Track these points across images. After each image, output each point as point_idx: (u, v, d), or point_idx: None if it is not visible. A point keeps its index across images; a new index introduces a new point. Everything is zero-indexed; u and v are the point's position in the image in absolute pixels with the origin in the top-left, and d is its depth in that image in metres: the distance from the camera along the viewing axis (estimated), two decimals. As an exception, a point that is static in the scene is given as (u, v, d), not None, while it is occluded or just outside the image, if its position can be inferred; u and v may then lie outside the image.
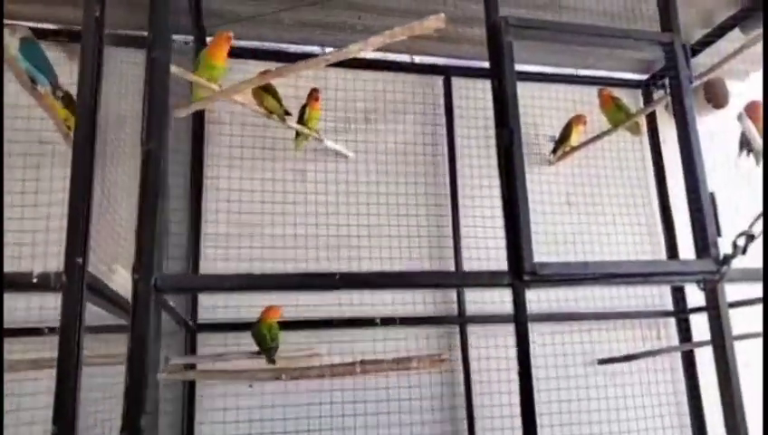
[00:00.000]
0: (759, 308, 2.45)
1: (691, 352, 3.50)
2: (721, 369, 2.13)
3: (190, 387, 2.92)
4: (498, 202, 2.05)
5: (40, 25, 2.85)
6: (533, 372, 3.23)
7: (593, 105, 3.57)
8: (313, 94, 3.14)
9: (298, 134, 3.18)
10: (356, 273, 2.33)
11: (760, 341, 2.31)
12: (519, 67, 3.63)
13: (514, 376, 2.97)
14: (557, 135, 3.61)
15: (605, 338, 3.53)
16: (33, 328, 2.18)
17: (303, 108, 3.14)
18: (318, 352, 2.85)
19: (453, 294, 3.36)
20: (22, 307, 2.13)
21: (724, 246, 2.08)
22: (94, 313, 1.90)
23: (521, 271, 1.93)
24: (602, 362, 3.42)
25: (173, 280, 1.80)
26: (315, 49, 3.46)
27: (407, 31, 2.15)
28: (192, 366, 2.91)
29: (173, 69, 2.60)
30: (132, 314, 1.68)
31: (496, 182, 2.07)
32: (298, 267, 3.21)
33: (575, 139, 3.50)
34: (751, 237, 1.91)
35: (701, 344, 3.07)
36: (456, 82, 3.66)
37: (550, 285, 2.05)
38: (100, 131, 2.46)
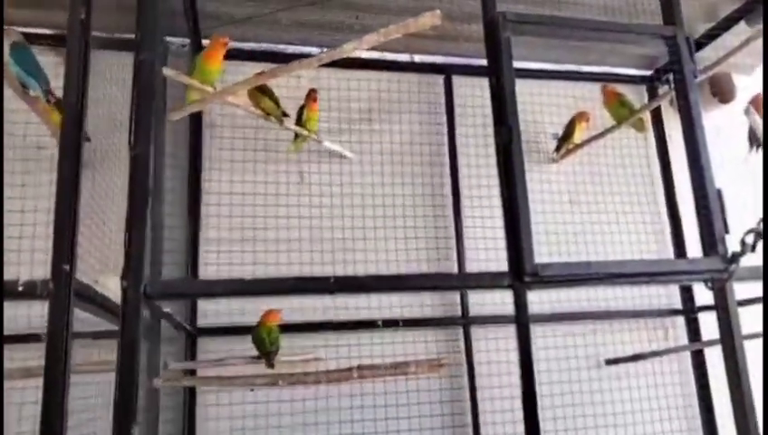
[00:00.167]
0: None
1: (701, 351, 3.43)
2: (731, 368, 2.07)
3: (191, 393, 2.88)
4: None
5: (34, 30, 2.81)
6: (539, 373, 3.25)
7: (596, 102, 3.51)
8: (311, 95, 3.10)
9: (297, 136, 3.14)
10: (351, 276, 2.29)
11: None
12: (520, 64, 3.65)
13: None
14: (560, 133, 3.54)
15: (612, 339, 3.46)
16: (23, 335, 2.14)
17: (301, 109, 3.10)
18: (319, 356, 2.82)
19: (456, 295, 3.30)
20: (9, 315, 2.09)
21: (733, 244, 2.03)
22: (85, 319, 1.87)
23: (521, 272, 1.89)
24: (609, 362, 3.35)
25: (163, 286, 1.76)
26: (313, 50, 3.41)
27: (401, 28, 2.10)
28: (192, 372, 2.88)
29: (167, 71, 2.58)
30: (122, 321, 1.65)
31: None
32: (300, 271, 3.16)
33: (578, 136, 3.43)
34: (760, 235, 1.85)
35: (710, 344, 3.00)
36: (457, 81, 3.61)
37: (551, 287, 1.99)
38: (93, 136, 2.44)
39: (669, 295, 3.62)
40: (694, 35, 3.35)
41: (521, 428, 1.83)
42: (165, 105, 3.08)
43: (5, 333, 2.23)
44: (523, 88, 3.62)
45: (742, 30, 3.18)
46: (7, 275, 1.59)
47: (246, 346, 2.63)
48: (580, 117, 3.43)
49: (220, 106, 3.19)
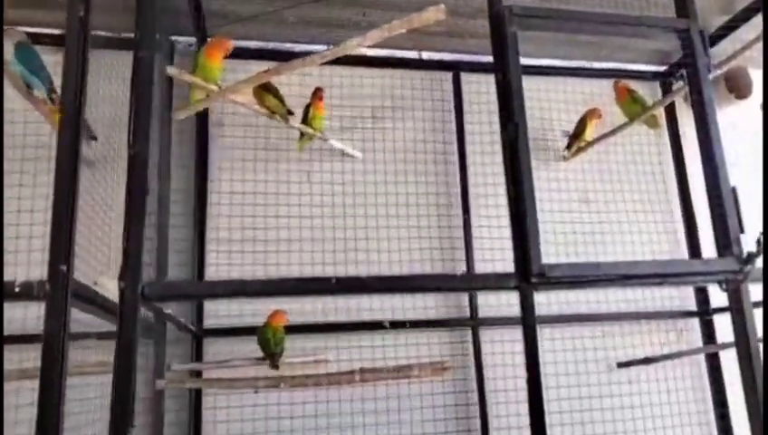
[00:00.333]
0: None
1: (716, 354, 3.34)
2: (746, 373, 2.00)
3: (197, 396, 2.86)
4: (511, 201, 1.95)
5: (38, 30, 2.81)
6: (549, 376, 3.19)
7: (608, 99, 3.44)
8: (317, 94, 3.07)
9: (302, 135, 3.11)
10: (352, 277, 2.26)
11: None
12: (530, 61, 3.62)
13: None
14: (571, 130, 3.47)
15: (624, 341, 3.40)
16: (19, 335, 2.12)
17: (307, 107, 3.07)
18: (326, 358, 2.79)
19: (465, 297, 3.25)
20: (7, 316, 2.08)
21: (748, 244, 1.96)
22: (89, 320, 1.85)
23: (528, 273, 1.83)
24: (621, 365, 3.28)
25: (161, 287, 1.73)
26: (320, 48, 3.34)
27: (405, 24, 2.06)
28: (198, 373, 2.86)
29: (170, 70, 2.56)
30: (119, 323, 1.62)
31: (509, 180, 1.97)
32: (309, 271, 3.14)
33: (590, 133, 3.37)
34: (776, 234, 1.79)
35: (725, 347, 2.93)
36: (466, 78, 3.56)
37: (559, 288, 1.94)
38: (99, 136, 2.43)
39: (683, 297, 3.53)
40: (709, 29, 3.27)
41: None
42: (171, 104, 3.09)
43: (5, 333, 2.25)
44: (533, 85, 3.62)
45: (758, 23, 3.09)
46: (5, 276, 1.57)
47: (253, 347, 2.61)
48: (592, 114, 3.36)
49: (226, 105, 3.17)
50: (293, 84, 3.29)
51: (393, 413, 3.04)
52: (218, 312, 3.02)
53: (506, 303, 3.20)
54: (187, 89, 2.78)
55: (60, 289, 1.55)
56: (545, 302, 3.27)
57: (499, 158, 3.37)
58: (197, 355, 2.92)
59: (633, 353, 3.33)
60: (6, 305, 1.49)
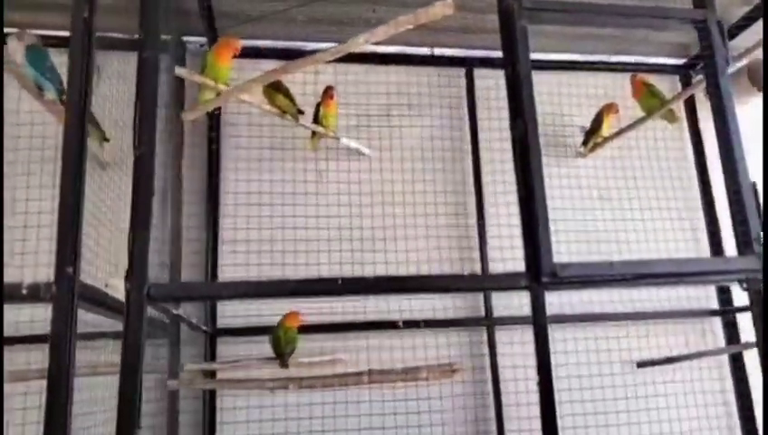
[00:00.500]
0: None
1: (740, 354, 3.24)
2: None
3: (211, 396, 2.86)
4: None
5: (54, 33, 2.83)
6: (571, 377, 3.13)
7: (628, 93, 3.36)
8: (328, 92, 3.05)
9: (314, 134, 3.10)
10: (359, 278, 2.24)
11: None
12: (546, 55, 3.56)
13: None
14: (588, 125, 3.40)
15: (648, 342, 3.32)
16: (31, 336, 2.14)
17: (318, 106, 3.06)
18: (341, 358, 2.77)
19: (480, 296, 3.21)
20: (14, 317, 2.11)
21: (770, 241, 1.89)
22: (100, 320, 1.86)
23: (539, 273, 1.79)
24: (641, 365, 3.20)
25: (166, 289, 1.73)
26: (330, 46, 3.33)
27: (412, 19, 2.03)
28: (212, 373, 2.86)
29: (179, 70, 2.56)
30: (125, 324, 1.62)
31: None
32: (321, 271, 3.13)
33: (607, 129, 3.30)
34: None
35: (749, 346, 2.84)
36: (479, 74, 3.51)
37: (571, 288, 1.89)
38: (112, 138, 2.44)
39: (706, 296, 3.44)
40: (731, 20, 3.18)
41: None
42: (183, 105, 3.10)
43: (15, 335, 2.28)
44: (550, 80, 3.56)
45: (782, 12, 2.99)
46: (14, 278, 1.58)
47: (268, 347, 2.60)
48: (609, 109, 3.29)
49: (238, 105, 3.17)
50: (308, 83, 3.28)
51: (413, 416, 3.02)
52: (236, 311, 3.02)
53: (522, 302, 3.15)
54: (197, 90, 2.79)
55: (66, 291, 1.55)
56: (567, 301, 3.22)
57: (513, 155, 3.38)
58: (212, 355, 2.93)
59: (653, 354, 3.25)
60: (15, 307, 1.51)
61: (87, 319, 1.82)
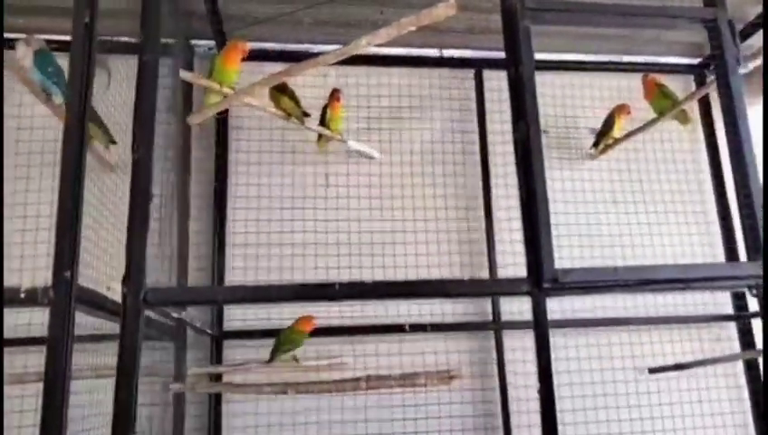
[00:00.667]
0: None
1: (755, 359, 3.16)
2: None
3: (216, 400, 2.85)
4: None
5: (60, 37, 2.86)
6: (589, 383, 3.07)
7: (640, 94, 3.29)
8: (335, 94, 3.04)
9: (320, 136, 3.09)
10: (357, 282, 2.22)
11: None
12: (556, 56, 3.51)
13: (560, 392, 2.79)
14: (598, 127, 3.34)
15: (667, 348, 3.26)
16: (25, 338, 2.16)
17: (325, 109, 3.04)
18: (344, 362, 2.76)
19: (488, 301, 3.17)
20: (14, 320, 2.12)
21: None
22: (96, 324, 1.87)
23: (540, 278, 1.76)
24: (653, 371, 3.14)
25: (163, 293, 1.73)
26: (338, 48, 3.35)
27: (415, 21, 2.01)
28: (218, 376, 2.86)
29: (184, 74, 2.57)
30: (121, 329, 1.62)
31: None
32: (330, 275, 3.11)
33: (618, 130, 3.24)
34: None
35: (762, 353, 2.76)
36: (488, 75, 3.47)
37: (573, 293, 1.86)
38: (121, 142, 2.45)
39: (720, 301, 3.36)
40: (746, 19, 3.11)
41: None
42: (191, 109, 3.11)
43: (13, 337, 2.30)
44: (560, 81, 3.51)
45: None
46: (12, 281, 1.59)
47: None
48: (620, 110, 3.23)
49: (245, 108, 3.17)
50: (316, 86, 3.27)
51: (421, 422, 2.99)
52: (245, 315, 3.02)
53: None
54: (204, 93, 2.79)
55: (64, 295, 1.56)
56: (580, 307, 3.18)
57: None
58: (218, 358, 2.93)
59: (666, 360, 3.19)
60: (14, 310, 1.52)
61: (89, 322, 1.84)
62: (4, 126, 2.40)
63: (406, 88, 3.45)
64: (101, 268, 1.94)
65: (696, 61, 3.63)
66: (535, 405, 2.98)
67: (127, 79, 2.34)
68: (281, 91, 2.80)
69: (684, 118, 3.16)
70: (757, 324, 3.19)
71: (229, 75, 2.59)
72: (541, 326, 1.76)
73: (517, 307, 3.16)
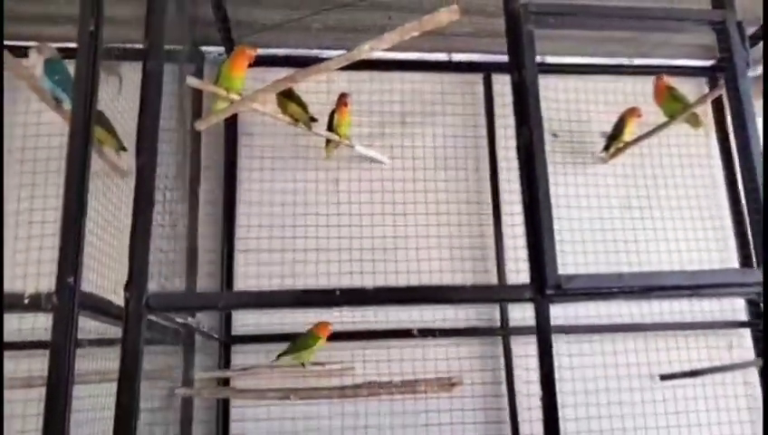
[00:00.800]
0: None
1: (770, 365, 3.10)
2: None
3: (224, 406, 2.84)
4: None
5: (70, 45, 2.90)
6: (604, 390, 3.03)
7: (651, 97, 3.25)
8: (342, 100, 3.04)
9: (328, 142, 3.10)
10: (358, 289, 2.22)
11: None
12: (566, 59, 3.48)
13: (567, 399, 2.75)
14: (609, 130, 3.31)
15: (679, 354, 3.21)
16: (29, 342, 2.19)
17: (332, 114, 3.05)
18: (351, 367, 2.76)
19: (496, 305, 3.14)
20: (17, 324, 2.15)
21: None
22: (97, 328, 1.88)
23: (543, 284, 1.74)
24: (665, 377, 3.09)
25: (165, 299, 1.74)
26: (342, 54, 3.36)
27: (417, 26, 2.01)
28: (226, 382, 2.87)
29: (191, 80, 2.59)
30: (123, 334, 1.63)
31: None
32: (341, 281, 3.12)
33: (629, 134, 3.20)
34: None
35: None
36: (498, 79, 3.45)
37: (577, 300, 1.83)
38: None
39: (736, 307, 3.30)
40: (758, 20, 3.05)
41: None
42: (201, 115, 3.13)
43: (16, 340, 2.33)
44: (569, 84, 3.48)
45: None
46: (17, 287, 1.62)
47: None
48: (631, 113, 3.20)
49: (254, 115, 3.18)
50: (324, 92, 3.28)
51: (433, 427, 2.97)
52: (255, 319, 3.02)
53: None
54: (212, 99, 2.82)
55: (67, 301, 1.58)
56: (595, 313, 3.14)
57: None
58: (226, 363, 2.94)
59: (679, 367, 3.13)
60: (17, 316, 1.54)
61: (94, 326, 1.86)
62: (12, 134, 2.44)
63: (415, 93, 3.45)
64: (110, 274, 1.95)
65: (708, 63, 3.57)
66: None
67: (139, 86, 2.37)
68: (288, 97, 2.81)
69: (695, 121, 3.11)
70: (772, 331, 3.12)
71: (236, 81, 2.60)
72: (543, 333, 1.74)
73: (527, 313, 3.12)
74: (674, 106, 3.03)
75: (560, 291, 1.72)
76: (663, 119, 3.16)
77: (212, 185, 3.16)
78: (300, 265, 3.15)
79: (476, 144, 3.40)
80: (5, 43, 2.37)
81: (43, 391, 1.55)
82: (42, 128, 2.47)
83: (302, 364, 2.62)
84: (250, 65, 2.68)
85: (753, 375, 3.16)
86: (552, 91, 3.43)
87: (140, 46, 2.11)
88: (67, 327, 1.56)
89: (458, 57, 3.51)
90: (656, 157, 3.49)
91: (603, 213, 3.37)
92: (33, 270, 2.35)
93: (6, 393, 1.65)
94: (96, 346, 1.85)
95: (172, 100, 2.85)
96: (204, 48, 3.32)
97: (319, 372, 2.67)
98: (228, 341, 2.96)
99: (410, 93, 3.44)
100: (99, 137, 2.54)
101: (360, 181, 3.28)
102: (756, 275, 1.75)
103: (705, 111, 3.33)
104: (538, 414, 2.91)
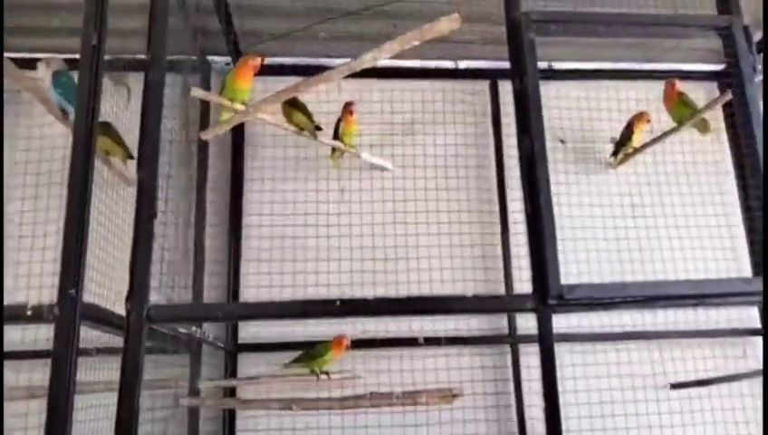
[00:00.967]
0: None
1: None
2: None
3: (230, 416, 2.81)
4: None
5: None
6: (606, 395, 2.99)
7: (660, 103, 3.21)
8: (348, 108, 3.04)
9: (334, 150, 3.10)
10: (359, 299, 2.21)
11: None
12: (575, 65, 3.45)
13: (571, 411, 2.71)
14: (617, 136, 3.27)
15: (692, 364, 3.15)
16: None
17: (338, 122, 3.05)
18: (359, 376, 2.74)
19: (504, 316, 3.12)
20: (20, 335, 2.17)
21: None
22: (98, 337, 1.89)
23: (545, 294, 1.72)
24: (675, 386, 3.04)
25: (166, 310, 1.75)
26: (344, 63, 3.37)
27: (418, 35, 2.00)
28: (232, 391, 2.87)
29: (195, 91, 2.61)
30: (124, 345, 1.64)
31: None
32: (351, 291, 3.11)
33: (637, 139, 3.16)
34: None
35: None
36: (504, 87, 3.43)
37: (579, 310, 1.81)
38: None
39: (749, 314, 3.24)
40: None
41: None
42: (208, 124, 3.15)
43: (18, 350, 2.34)
44: (578, 90, 3.44)
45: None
46: (20, 299, 1.63)
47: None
48: (640, 118, 3.15)
49: (261, 125, 3.20)
50: (330, 101, 3.27)
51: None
52: (261, 328, 3.02)
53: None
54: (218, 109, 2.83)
55: (68, 312, 1.59)
56: (608, 322, 3.09)
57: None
58: (233, 372, 2.94)
59: (690, 376, 3.08)
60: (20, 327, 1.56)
61: (95, 336, 1.87)
62: (15, 146, 2.48)
63: (421, 101, 3.44)
64: (111, 284, 1.97)
65: (720, 67, 3.52)
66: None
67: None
68: (293, 106, 2.82)
69: (704, 127, 3.06)
70: (786, 340, 3.07)
71: (240, 91, 2.61)
72: (546, 343, 1.72)
73: (534, 322, 3.09)
74: (682, 111, 2.99)
75: (562, 301, 1.70)
76: (672, 125, 3.12)
77: (218, 195, 3.18)
78: (311, 276, 3.14)
79: (483, 152, 3.38)
80: (13, 56, 2.42)
81: (44, 402, 1.56)
82: (45, 141, 2.49)
83: (313, 372, 2.60)
84: (257, 74, 2.69)
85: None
86: (559, 98, 3.40)
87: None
88: (68, 338, 1.57)
89: (464, 65, 3.50)
90: (665, 163, 3.44)
91: (617, 222, 3.33)
92: (36, 283, 2.37)
93: (7, 405, 1.67)
94: (99, 356, 1.86)
95: (178, 110, 2.88)
96: (211, 58, 3.35)
97: (323, 381, 2.66)
98: (235, 350, 2.97)
99: (417, 102, 3.44)
100: (106, 147, 2.57)
101: (365, 191, 3.28)
102: (761, 283, 1.72)
103: (715, 117, 3.27)
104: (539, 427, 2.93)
